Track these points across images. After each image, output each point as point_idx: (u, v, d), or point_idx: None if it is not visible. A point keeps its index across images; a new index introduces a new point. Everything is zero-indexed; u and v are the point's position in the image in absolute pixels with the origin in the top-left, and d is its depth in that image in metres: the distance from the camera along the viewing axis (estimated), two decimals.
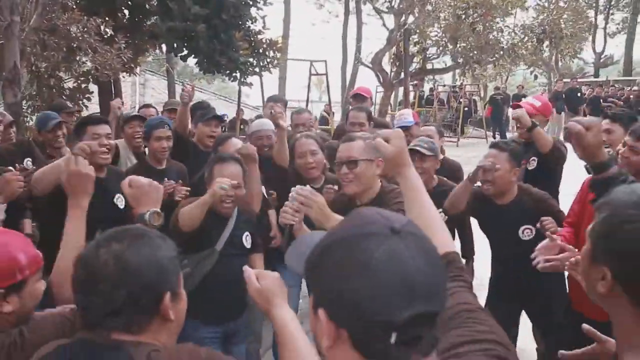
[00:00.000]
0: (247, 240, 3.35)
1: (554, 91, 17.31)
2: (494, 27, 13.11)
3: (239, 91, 13.14)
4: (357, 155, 2.85)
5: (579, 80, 18.28)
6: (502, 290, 3.75)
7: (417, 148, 3.72)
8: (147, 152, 4.55)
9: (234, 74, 11.65)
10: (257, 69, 12.07)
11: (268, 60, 12.20)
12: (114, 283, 1.39)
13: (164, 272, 1.47)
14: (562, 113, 16.79)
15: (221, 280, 3.09)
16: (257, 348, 3.87)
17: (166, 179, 3.90)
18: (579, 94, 16.99)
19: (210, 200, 3.00)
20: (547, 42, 13.58)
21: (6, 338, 1.61)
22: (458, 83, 18.78)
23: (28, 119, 8.72)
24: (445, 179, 4.02)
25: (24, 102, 7.96)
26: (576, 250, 2.46)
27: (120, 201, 3.49)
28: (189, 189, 3.96)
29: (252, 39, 11.70)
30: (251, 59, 11.79)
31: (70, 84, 9.57)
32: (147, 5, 10.71)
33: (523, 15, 16.35)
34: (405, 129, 4.60)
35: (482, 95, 18.98)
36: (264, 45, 12.03)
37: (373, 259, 0.97)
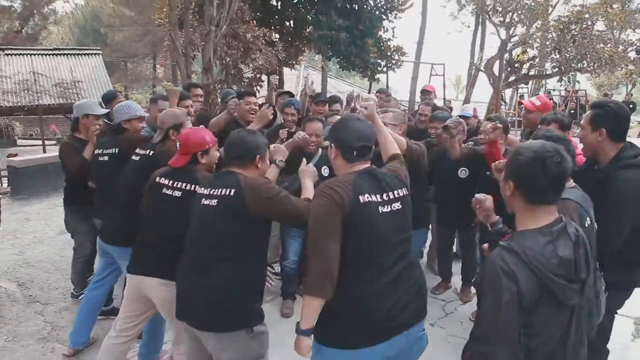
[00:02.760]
0: (324, 171, 3.99)
1: None
2: (594, 40, 12.64)
3: (370, 85, 14.17)
4: (388, 122, 3.73)
5: None
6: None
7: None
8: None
9: (365, 71, 12.76)
10: (383, 69, 13.02)
11: (393, 62, 13.11)
12: (237, 144, 2.49)
13: (258, 146, 2.51)
14: None
15: None
16: None
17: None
18: None
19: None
20: None
21: (203, 174, 2.78)
22: (563, 88, 17.90)
23: (218, 96, 10.57)
24: None
25: (216, 84, 9.70)
26: None
27: None
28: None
29: (381, 44, 12.66)
30: (379, 60, 12.77)
31: (249, 74, 11.30)
32: (307, 17, 12.16)
33: (628, 33, 15.35)
34: (465, 117, 5.29)
35: (588, 100, 17.91)
36: (391, 50, 12.95)
37: (349, 125, 2.23)
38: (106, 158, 3.72)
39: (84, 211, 4.18)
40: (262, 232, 2.47)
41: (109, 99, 4.83)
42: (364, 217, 2.03)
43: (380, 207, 2.08)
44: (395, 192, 2.15)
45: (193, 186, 2.69)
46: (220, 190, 2.37)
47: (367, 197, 2.06)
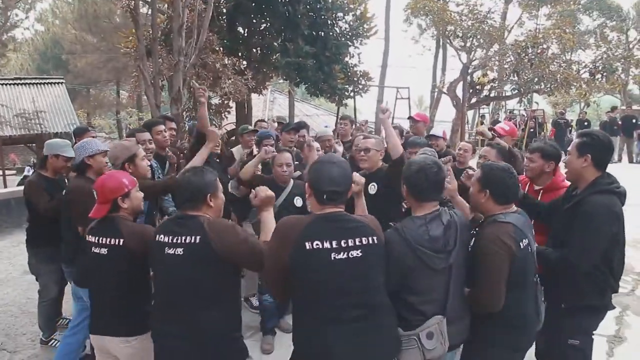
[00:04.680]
0: (297, 202, 4.04)
1: (609, 117, 16.77)
2: (549, 63, 13.15)
3: (338, 109, 14.31)
4: (370, 146, 3.89)
5: (633, 108, 17.52)
6: None
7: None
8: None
9: (333, 97, 12.86)
10: (351, 94, 13.16)
11: (360, 87, 13.27)
12: (186, 188, 2.42)
13: (207, 184, 2.43)
14: (618, 137, 16.26)
15: None
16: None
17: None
18: (633, 120, 16.34)
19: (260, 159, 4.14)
20: (598, 76, 13.39)
21: (128, 224, 2.67)
22: (523, 108, 18.51)
23: (186, 125, 10.41)
24: None
25: (184, 113, 9.54)
26: None
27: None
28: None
29: (348, 70, 12.81)
30: (347, 86, 12.90)
31: (216, 100, 11.19)
32: (274, 44, 12.20)
33: (584, 53, 16.14)
34: (434, 138, 5.49)
35: (545, 119, 18.51)
36: (358, 75, 13.12)
37: (323, 169, 2.24)
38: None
39: (48, 252, 4.07)
40: (233, 272, 2.42)
41: (79, 133, 4.77)
42: (310, 262, 2.08)
43: (333, 254, 2.08)
44: (357, 239, 2.13)
45: (118, 240, 2.58)
46: (184, 237, 2.30)
47: (317, 244, 2.08)
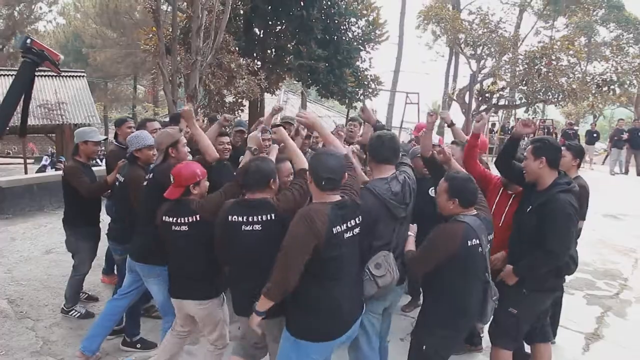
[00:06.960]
0: None
1: (615, 129, 16.89)
2: (557, 73, 13.39)
3: (347, 112, 14.64)
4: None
5: None
6: None
7: None
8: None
9: (343, 99, 13.24)
10: (361, 97, 13.52)
11: (370, 90, 13.63)
12: (255, 173, 2.80)
13: (271, 172, 2.85)
14: (623, 148, 16.37)
15: None
16: None
17: None
18: (639, 133, 16.45)
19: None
20: (605, 88, 13.58)
21: (197, 201, 3.08)
22: (532, 116, 18.65)
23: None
24: None
25: (199, 110, 9.98)
26: None
27: None
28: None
29: (359, 74, 13.18)
30: (357, 89, 13.27)
31: (230, 99, 11.63)
32: (288, 46, 12.62)
33: (595, 65, 16.34)
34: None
35: (555, 129, 18.62)
36: (368, 79, 13.48)
37: (322, 159, 2.61)
38: (117, 184, 4.03)
39: (87, 231, 4.51)
40: None
41: (118, 124, 5.08)
42: (335, 243, 2.53)
43: (345, 234, 2.59)
44: (356, 219, 2.67)
45: (195, 217, 3.02)
46: (260, 216, 2.74)
47: (338, 228, 2.54)
